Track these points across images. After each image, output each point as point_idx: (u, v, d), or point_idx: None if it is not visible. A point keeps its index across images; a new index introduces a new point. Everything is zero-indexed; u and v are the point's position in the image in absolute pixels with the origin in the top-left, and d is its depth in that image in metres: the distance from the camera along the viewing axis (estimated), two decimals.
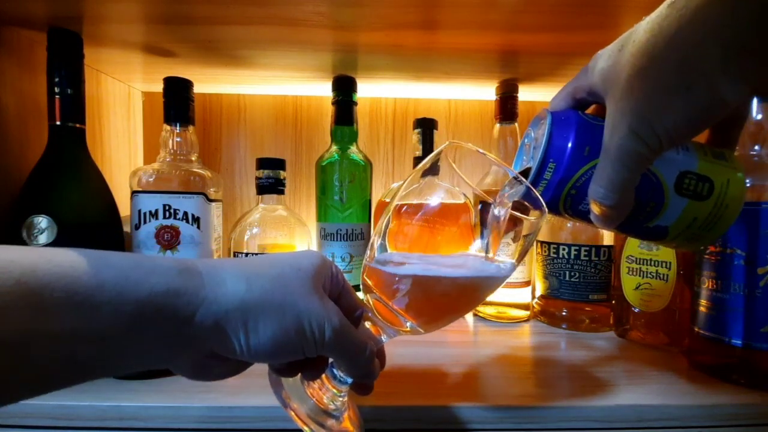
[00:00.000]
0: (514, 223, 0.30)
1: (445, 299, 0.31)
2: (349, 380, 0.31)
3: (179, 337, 0.23)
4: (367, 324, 0.32)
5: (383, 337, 0.32)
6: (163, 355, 0.24)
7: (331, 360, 0.31)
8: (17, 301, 0.18)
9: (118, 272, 0.22)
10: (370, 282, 0.32)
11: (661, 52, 0.22)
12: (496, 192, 0.30)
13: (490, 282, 0.32)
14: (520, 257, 0.32)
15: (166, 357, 0.24)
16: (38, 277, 0.19)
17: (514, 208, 0.29)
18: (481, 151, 0.31)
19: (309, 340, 0.26)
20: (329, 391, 0.32)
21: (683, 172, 0.27)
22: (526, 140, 0.33)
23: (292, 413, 0.30)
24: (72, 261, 0.21)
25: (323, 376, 0.31)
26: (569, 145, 0.28)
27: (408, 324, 0.31)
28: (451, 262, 0.31)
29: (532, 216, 0.30)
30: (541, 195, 0.29)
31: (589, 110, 0.31)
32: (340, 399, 0.32)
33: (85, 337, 0.20)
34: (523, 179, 0.29)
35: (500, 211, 0.29)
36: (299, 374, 0.31)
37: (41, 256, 0.20)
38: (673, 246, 0.32)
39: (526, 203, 0.29)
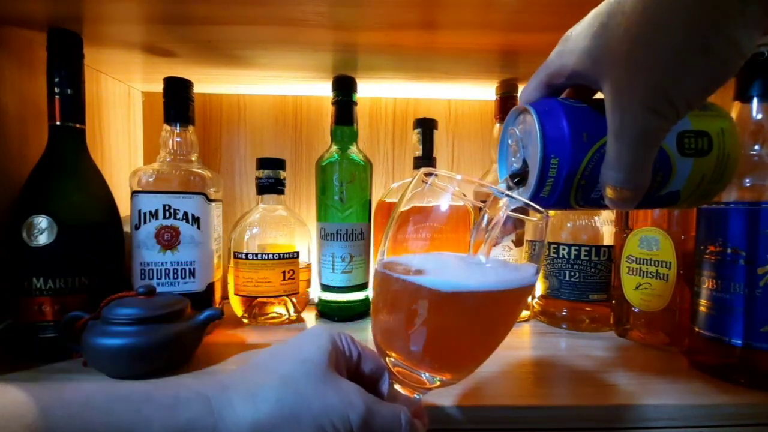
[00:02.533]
0: (514, 226, 0.29)
1: (472, 325, 0.27)
2: None
3: None
4: (397, 386, 0.30)
5: (417, 396, 0.29)
6: None
7: None
8: None
9: (129, 406, 0.21)
10: (381, 342, 0.29)
11: (667, 16, 0.20)
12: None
13: (523, 292, 0.28)
14: (536, 259, 0.29)
15: None
16: (49, 423, 0.19)
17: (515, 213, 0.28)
18: (454, 175, 0.29)
19: None
20: None
21: (681, 133, 0.27)
22: (509, 141, 0.31)
23: None
24: (83, 399, 0.21)
25: None
26: (567, 135, 0.26)
27: (426, 376, 0.28)
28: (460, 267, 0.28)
29: (534, 216, 0.29)
30: (549, 193, 0.27)
31: (564, 95, 0.29)
32: None
33: None
34: (517, 197, 0.27)
35: (497, 220, 0.28)
36: None
37: (53, 396, 0.20)
38: (684, 206, 0.31)
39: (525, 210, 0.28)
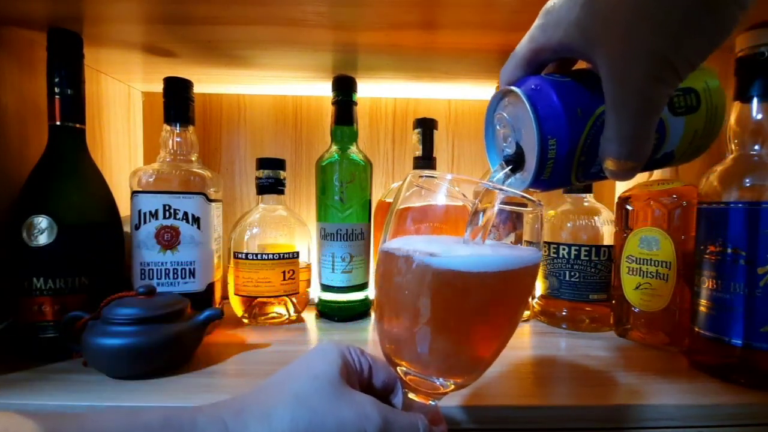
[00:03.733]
0: (513, 225, 0.29)
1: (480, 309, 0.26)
2: None
3: None
4: (411, 395, 0.29)
5: (432, 402, 0.29)
6: None
7: None
8: None
9: None
10: (390, 350, 0.28)
11: None
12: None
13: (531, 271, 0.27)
14: (537, 246, 0.28)
15: None
16: None
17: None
18: (444, 175, 0.28)
19: None
20: None
21: None
22: (497, 126, 0.29)
23: None
24: (102, 429, 0.21)
25: None
26: (562, 113, 0.25)
27: (439, 381, 0.27)
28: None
29: (529, 207, 0.28)
30: (550, 175, 0.26)
31: (546, 70, 0.28)
32: None
33: None
34: (507, 189, 0.27)
35: (490, 213, 0.27)
36: None
37: (72, 427, 0.21)
38: (677, 164, 0.31)
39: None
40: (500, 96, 0.28)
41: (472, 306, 0.26)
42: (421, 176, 0.28)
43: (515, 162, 0.28)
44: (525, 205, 0.28)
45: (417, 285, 0.25)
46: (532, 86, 0.26)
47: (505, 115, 0.28)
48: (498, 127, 0.29)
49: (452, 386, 0.28)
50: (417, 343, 0.26)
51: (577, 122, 0.25)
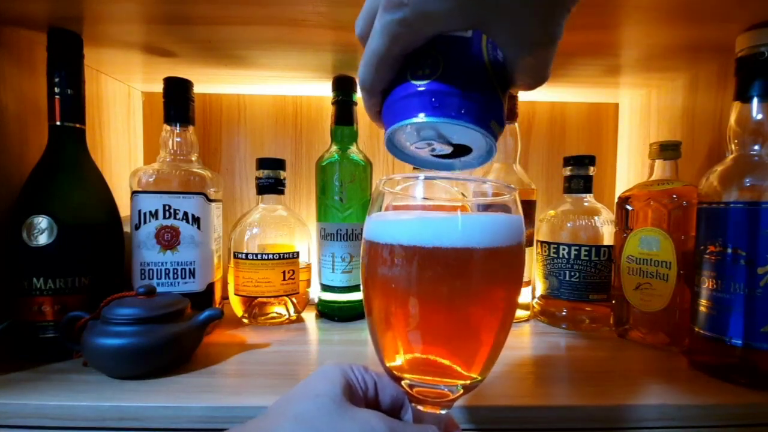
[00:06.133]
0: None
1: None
2: None
3: None
4: (420, 407, 0.28)
5: (442, 412, 0.28)
6: None
7: None
8: None
9: None
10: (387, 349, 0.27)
11: None
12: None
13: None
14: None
15: None
16: None
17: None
18: (412, 176, 0.27)
19: None
20: None
21: None
22: (414, 146, 0.27)
23: None
24: None
25: None
26: (479, 100, 0.23)
27: (447, 388, 0.27)
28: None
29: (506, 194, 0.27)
30: (500, 129, 0.25)
31: None
32: None
33: None
34: (470, 176, 0.26)
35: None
36: None
37: None
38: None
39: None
40: (402, 130, 0.25)
41: (463, 284, 0.25)
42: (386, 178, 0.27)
43: (458, 153, 0.27)
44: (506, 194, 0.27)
45: (401, 270, 0.24)
46: (433, 101, 0.23)
47: (421, 136, 0.26)
48: (414, 148, 0.28)
49: (461, 390, 0.27)
50: (415, 339, 0.25)
51: (486, 84, 0.24)
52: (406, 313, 0.25)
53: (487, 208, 0.27)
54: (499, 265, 0.26)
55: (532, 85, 0.25)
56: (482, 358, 0.27)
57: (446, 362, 0.26)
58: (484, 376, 0.27)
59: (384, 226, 0.26)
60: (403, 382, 0.27)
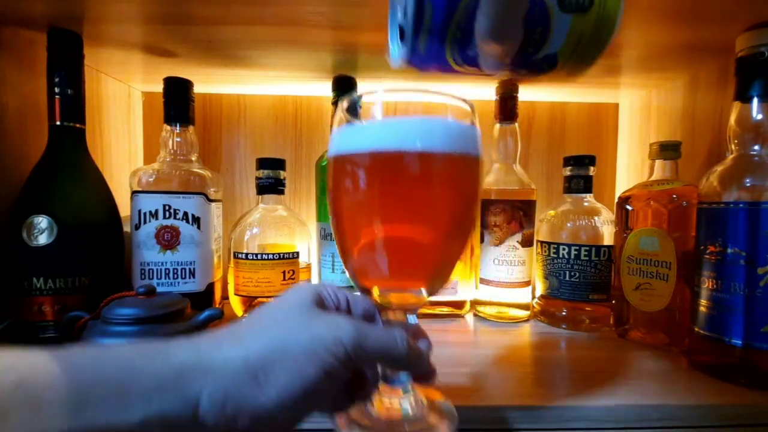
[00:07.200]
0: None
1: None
2: (404, 377, 0.29)
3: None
4: (390, 315, 0.30)
5: (410, 318, 0.29)
6: None
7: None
8: (17, 405, 0.18)
9: (120, 361, 0.22)
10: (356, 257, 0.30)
11: None
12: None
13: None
14: None
15: None
16: (38, 379, 0.19)
17: None
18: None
19: (329, 363, 0.23)
20: (395, 399, 0.29)
21: None
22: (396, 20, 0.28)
23: None
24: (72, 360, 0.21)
25: (380, 388, 0.29)
26: None
27: (413, 292, 0.28)
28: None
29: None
30: (427, 46, 0.26)
31: None
32: (410, 399, 0.30)
33: None
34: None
35: None
36: (359, 401, 0.29)
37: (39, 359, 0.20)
38: (559, 72, 0.30)
39: None
40: None
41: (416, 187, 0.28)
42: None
43: (402, 31, 0.27)
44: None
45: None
46: None
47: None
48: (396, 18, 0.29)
49: (425, 295, 0.29)
50: (378, 238, 0.28)
51: None
52: (371, 213, 0.29)
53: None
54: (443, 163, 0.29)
55: (484, 33, 0.25)
56: (436, 258, 0.29)
57: (408, 260, 0.29)
58: (445, 280, 0.31)
59: (342, 136, 0.30)
60: (374, 292, 0.30)
